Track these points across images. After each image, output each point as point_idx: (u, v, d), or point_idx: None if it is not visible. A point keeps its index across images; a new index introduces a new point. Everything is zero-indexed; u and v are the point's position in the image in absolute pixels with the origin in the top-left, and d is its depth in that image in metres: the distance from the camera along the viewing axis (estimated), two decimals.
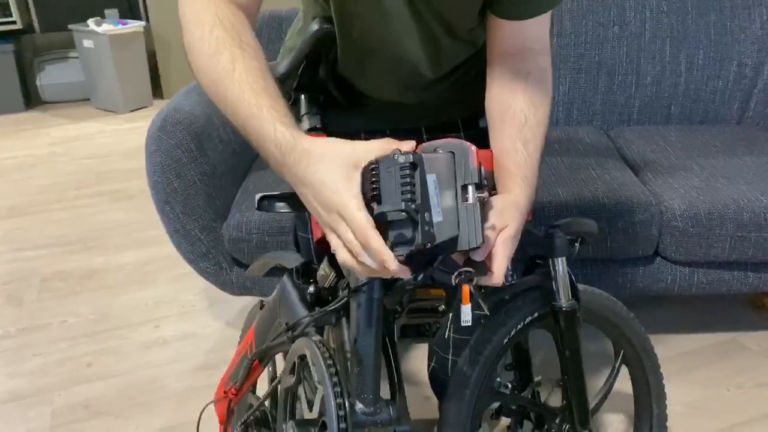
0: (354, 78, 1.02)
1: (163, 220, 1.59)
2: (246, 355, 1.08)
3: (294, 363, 0.85)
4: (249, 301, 1.95)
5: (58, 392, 1.65)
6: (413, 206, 0.67)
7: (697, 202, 1.57)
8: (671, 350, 1.77)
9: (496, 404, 1.24)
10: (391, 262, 0.66)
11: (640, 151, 1.87)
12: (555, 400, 1.19)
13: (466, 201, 0.72)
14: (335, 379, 0.74)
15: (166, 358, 1.77)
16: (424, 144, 0.77)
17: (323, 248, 0.84)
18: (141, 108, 3.89)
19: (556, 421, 1.16)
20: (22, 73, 3.99)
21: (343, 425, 0.72)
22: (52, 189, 2.87)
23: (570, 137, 1.94)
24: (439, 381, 1.26)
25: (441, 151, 0.74)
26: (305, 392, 0.84)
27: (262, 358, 1.05)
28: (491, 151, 0.89)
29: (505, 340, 1.09)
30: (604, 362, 1.27)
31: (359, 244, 0.67)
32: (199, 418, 1.09)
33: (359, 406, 0.77)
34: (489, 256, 0.78)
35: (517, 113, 0.88)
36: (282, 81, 1.01)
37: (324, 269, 0.95)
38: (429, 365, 1.35)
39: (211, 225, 1.59)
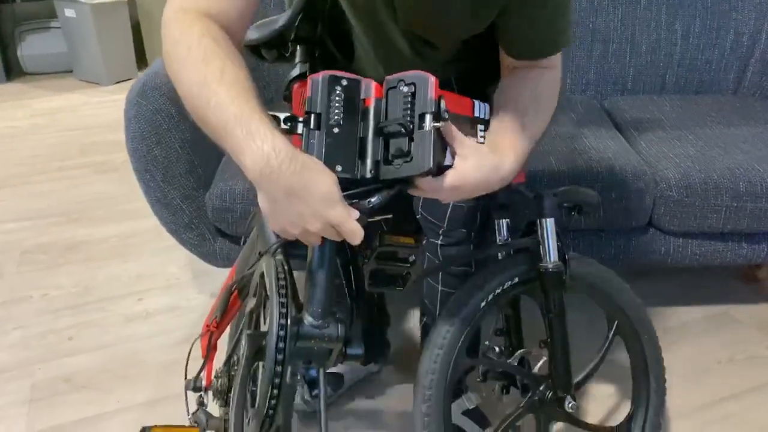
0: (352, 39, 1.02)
1: (144, 189, 1.54)
2: (227, 287, 1.08)
3: (256, 284, 0.85)
4: None
5: (38, 365, 1.61)
6: (410, 124, 0.77)
7: (692, 172, 1.53)
8: (662, 323, 1.75)
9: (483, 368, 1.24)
10: (359, 238, 0.77)
11: (634, 120, 1.83)
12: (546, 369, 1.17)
13: (422, 128, 0.77)
14: (282, 291, 0.75)
15: (149, 331, 1.73)
16: (388, 77, 0.82)
17: None
18: (125, 80, 3.80)
19: (540, 388, 1.15)
20: (3, 44, 3.90)
21: (282, 333, 0.73)
22: (35, 161, 2.80)
23: (563, 107, 1.90)
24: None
25: (404, 83, 0.79)
26: (265, 316, 0.83)
27: (241, 288, 1.03)
28: (463, 97, 0.89)
29: (489, 298, 1.10)
30: (601, 335, 1.24)
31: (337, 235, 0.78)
32: (187, 361, 1.06)
33: (308, 319, 0.80)
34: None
35: (519, 104, 0.92)
36: (281, 32, 1.03)
37: None
38: (421, 320, 1.39)
39: (194, 194, 1.54)
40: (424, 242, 1.23)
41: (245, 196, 1.50)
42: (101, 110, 3.41)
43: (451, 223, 1.20)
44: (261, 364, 0.77)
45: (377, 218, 0.86)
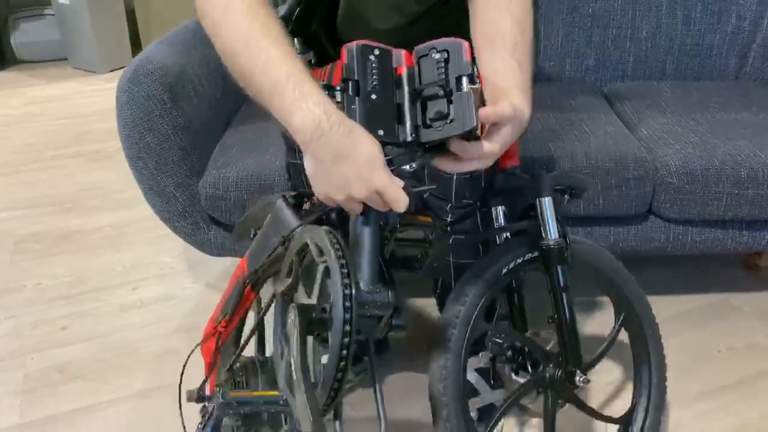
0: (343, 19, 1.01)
1: (136, 177, 1.51)
2: (239, 282, 1.03)
3: (291, 263, 0.80)
4: (228, 263, 1.90)
5: (31, 356, 1.59)
6: (448, 86, 0.78)
7: (692, 158, 1.51)
8: (662, 311, 1.73)
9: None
10: (403, 206, 0.76)
11: (634, 106, 1.80)
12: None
13: (461, 90, 0.78)
14: (341, 253, 0.70)
15: (144, 320, 1.71)
16: (418, 46, 0.83)
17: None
18: (120, 68, 3.75)
19: (550, 365, 1.14)
20: None
21: (348, 303, 0.67)
22: (28, 149, 2.78)
23: (562, 93, 1.87)
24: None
25: (436, 50, 0.81)
26: (306, 296, 0.79)
27: (256, 281, 1.00)
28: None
29: (503, 271, 1.10)
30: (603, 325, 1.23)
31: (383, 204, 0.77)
32: (183, 368, 0.98)
33: (361, 287, 0.78)
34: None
35: (507, 36, 0.88)
36: None
37: None
38: (434, 292, 1.42)
39: (187, 182, 1.52)
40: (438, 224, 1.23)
41: (239, 184, 1.47)
42: (96, 98, 3.37)
43: (458, 196, 1.19)
44: (309, 338, 0.73)
45: (422, 188, 0.86)
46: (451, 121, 0.79)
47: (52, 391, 1.49)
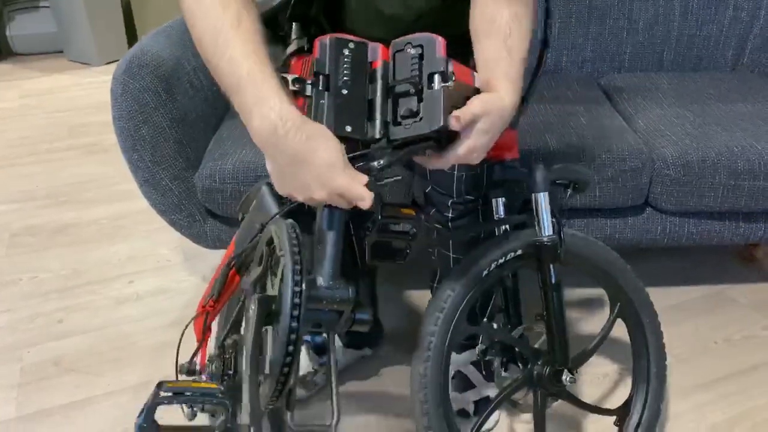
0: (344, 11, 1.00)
1: (132, 170, 1.51)
2: (225, 264, 1.05)
3: (262, 253, 0.82)
4: None
5: (27, 349, 1.59)
6: (420, 83, 0.77)
7: (689, 150, 1.51)
8: (659, 303, 1.69)
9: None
10: (368, 203, 0.76)
11: (631, 98, 1.80)
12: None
13: (432, 88, 0.77)
14: (295, 249, 0.72)
15: (140, 313, 1.71)
16: (395, 40, 0.82)
17: None
18: (116, 61, 3.71)
19: (539, 362, 1.14)
20: None
21: (297, 289, 0.70)
22: (24, 142, 2.76)
23: (559, 84, 1.87)
24: None
25: (412, 45, 0.79)
26: (272, 286, 0.79)
27: (240, 264, 1.01)
28: (463, 66, 0.86)
29: (491, 267, 1.09)
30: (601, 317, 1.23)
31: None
32: (180, 340, 1.00)
33: (319, 280, 0.79)
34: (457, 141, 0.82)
35: (501, 26, 0.87)
36: (275, 12, 1.00)
37: None
38: (431, 287, 1.41)
39: (183, 174, 1.51)
40: (423, 217, 1.22)
41: (235, 176, 1.47)
42: (91, 91, 3.36)
43: (459, 192, 1.19)
44: (268, 329, 0.74)
45: (387, 180, 0.85)
46: (420, 119, 0.78)
47: (48, 384, 1.48)
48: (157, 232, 2.04)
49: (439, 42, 0.79)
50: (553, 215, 1.07)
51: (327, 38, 0.80)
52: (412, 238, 1.00)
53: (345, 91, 0.79)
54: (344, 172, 0.75)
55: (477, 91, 0.86)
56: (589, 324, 1.63)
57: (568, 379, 1.13)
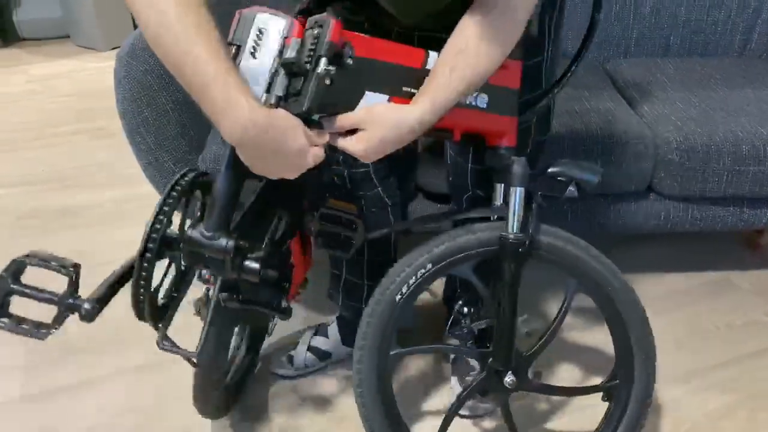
0: None
1: (135, 153, 1.51)
2: None
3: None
4: None
5: None
6: (307, 64, 0.81)
7: (693, 135, 1.50)
8: (661, 288, 1.73)
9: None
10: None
11: (636, 83, 1.79)
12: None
13: (315, 71, 0.81)
14: (170, 193, 0.89)
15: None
16: (310, 17, 0.85)
17: None
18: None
19: (488, 361, 1.12)
20: None
21: (148, 231, 0.89)
22: (30, 127, 2.77)
23: (563, 69, 1.85)
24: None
25: (318, 24, 0.82)
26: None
27: None
28: (413, 48, 0.90)
29: (430, 267, 1.08)
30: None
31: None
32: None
33: (200, 227, 0.89)
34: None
35: (458, 39, 0.87)
36: None
37: None
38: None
39: (186, 157, 1.52)
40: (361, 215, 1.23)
41: None
42: (97, 76, 3.36)
43: (474, 186, 1.20)
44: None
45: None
46: (296, 100, 0.82)
47: (53, 366, 1.50)
48: None
49: (332, 25, 0.80)
50: (530, 210, 1.03)
51: (246, 11, 0.83)
52: (354, 230, 1.09)
53: (252, 63, 0.82)
54: (310, 151, 0.84)
55: (426, 73, 0.89)
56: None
57: (509, 381, 1.10)
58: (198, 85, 0.76)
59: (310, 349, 1.47)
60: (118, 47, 1.48)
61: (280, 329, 1.50)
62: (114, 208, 2.14)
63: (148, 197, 2.10)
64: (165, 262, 0.98)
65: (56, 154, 2.51)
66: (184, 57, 0.75)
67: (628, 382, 1.14)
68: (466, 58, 0.86)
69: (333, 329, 1.49)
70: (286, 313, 1.09)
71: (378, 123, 0.86)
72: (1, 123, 2.81)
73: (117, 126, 2.67)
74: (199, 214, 0.97)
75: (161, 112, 1.45)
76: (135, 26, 3.72)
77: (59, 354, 1.53)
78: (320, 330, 1.50)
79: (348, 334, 1.47)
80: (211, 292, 1.07)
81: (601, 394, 1.19)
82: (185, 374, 1.17)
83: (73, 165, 2.43)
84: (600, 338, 1.52)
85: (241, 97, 0.76)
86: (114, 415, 1.38)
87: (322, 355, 1.48)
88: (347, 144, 0.87)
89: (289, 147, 0.81)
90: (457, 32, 0.88)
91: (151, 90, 1.43)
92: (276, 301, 1.06)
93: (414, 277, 1.07)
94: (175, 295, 1.01)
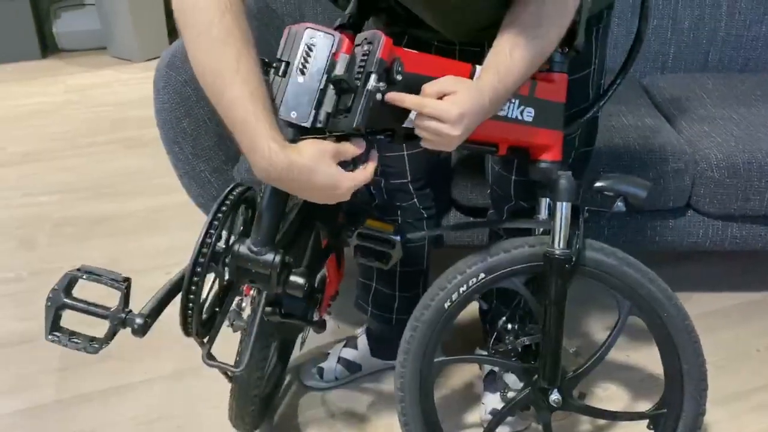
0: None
1: (173, 162, 1.53)
2: None
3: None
4: None
5: None
6: (357, 81, 0.81)
7: (735, 152, 1.47)
8: (698, 308, 1.68)
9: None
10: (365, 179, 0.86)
11: (674, 99, 1.76)
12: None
13: (365, 88, 0.80)
14: (220, 208, 0.88)
15: (176, 303, 1.73)
16: (360, 34, 0.86)
17: None
18: (157, 57, 3.76)
19: (533, 378, 1.10)
20: (38, 21, 3.92)
21: (198, 247, 0.87)
22: (66, 136, 2.83)
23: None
24: None
25: (367, 41, 0.82)
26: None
27: None
28: (459, 62, 0.90)
29: (482, 276, 1.07)
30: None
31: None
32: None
33: (247, 242, 0.89)
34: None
35: (516, 23, 0.87)
36: None
37: None
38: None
39: (222, 167, 1.53)
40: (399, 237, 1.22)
41: None
42: (133, 87, 3.42)
43: (517, 196, 1.20)
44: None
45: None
46: (345, 116, 0.81)
47: (86, 371, 1.51)
48: (194, 225, 2.02)
49: (382, 41, 0.80)
50: (576, 227, 1.01)
51: (296, 27, 0.83)
52: (393, 246, 1.10)
53: (300, 79, 0.82)
54: (345, 184, 0.83)
55: None
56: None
57: (554, 400, 1.08)
58: (229, 122, 0.79)
59: (339, 361, 1.47)
60: (154, 58, 1.51)
61: (309, 341, 1.50)
62: (146, 216, 2.16)
63: (180, 206, 2.14)
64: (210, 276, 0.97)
65: (92, 163, 2.56)
66: (219, 97, 0.78)
67: (676, 412, 1.12)
68: (524, 38, 0.86)
69: (362, 341, 1.49)
70: (321, 326, 1.08)
71: (464, 84, 0.84)
72: (40, 132, 2.87)
73: (151, 136, 2.72)
74: (242, 228, 0.97)
75: (199, 122, 1.47)
76: (170, 39, 3.81)
77: (93, 360, 1.54)
78: (349, 342, 1.50)
79: (377, 346, 1.46)
80: (243, 304, 1.08)
81: (647, 421, 1.16)
82: (216, 382, 1.17)
83: (108, 174, 2.47)
84: (648, 361, 1.50)
85: (263, 141, 0.77)
86: (146, 422, 1.39)
87: (352, 367, 1.47)
88: (441, 107, 0.82)
89: (315, 182, 0.81)
90: (512, 20, 0.87)
91: (190, 101, 1.45)
92: (311, 314, 1.06)
93: (465, 286, 1.06)
94: (218, 309, 1.00)
